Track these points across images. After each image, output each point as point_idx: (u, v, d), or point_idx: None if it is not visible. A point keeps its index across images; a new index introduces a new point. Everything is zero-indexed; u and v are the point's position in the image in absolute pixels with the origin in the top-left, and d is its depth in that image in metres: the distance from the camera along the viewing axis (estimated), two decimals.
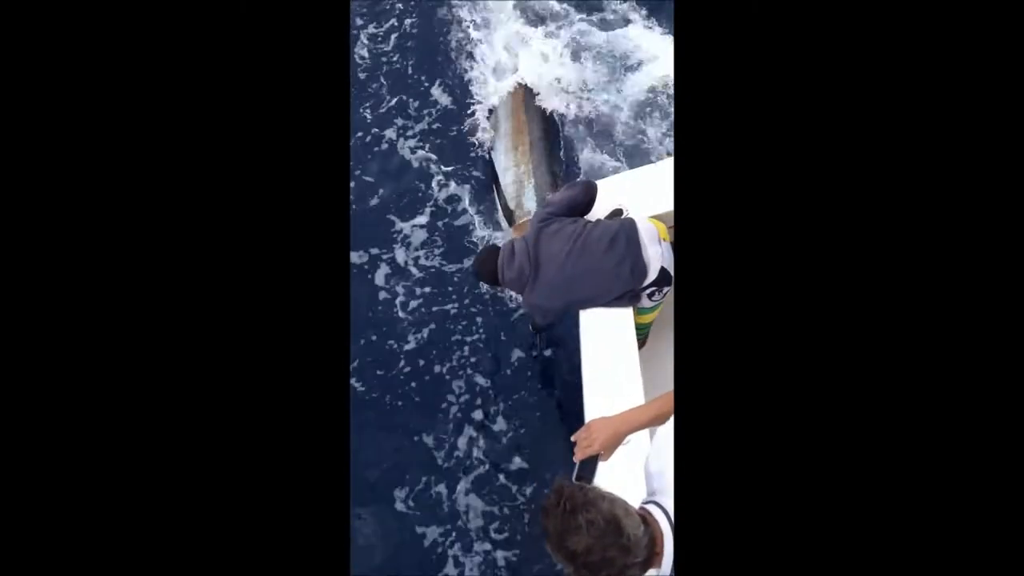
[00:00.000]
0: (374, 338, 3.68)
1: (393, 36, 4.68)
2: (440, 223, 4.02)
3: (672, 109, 3.94)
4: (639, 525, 1.32)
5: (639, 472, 1.91)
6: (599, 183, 3.00)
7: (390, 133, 4.33)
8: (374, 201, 4.10)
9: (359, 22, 4.70)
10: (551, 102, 4.12)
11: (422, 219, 4.03)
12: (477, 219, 3.98)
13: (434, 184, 4.12)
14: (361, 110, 4.39)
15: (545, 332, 3.57)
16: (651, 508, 1.44)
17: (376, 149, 4.29)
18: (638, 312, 2.74)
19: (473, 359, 3.61)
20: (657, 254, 2.62)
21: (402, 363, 3.62)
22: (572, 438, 1.73)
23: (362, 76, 4.53)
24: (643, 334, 2.87)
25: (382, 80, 4.53)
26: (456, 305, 3.76)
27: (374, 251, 3.93)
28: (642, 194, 2.88)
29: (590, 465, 1.68)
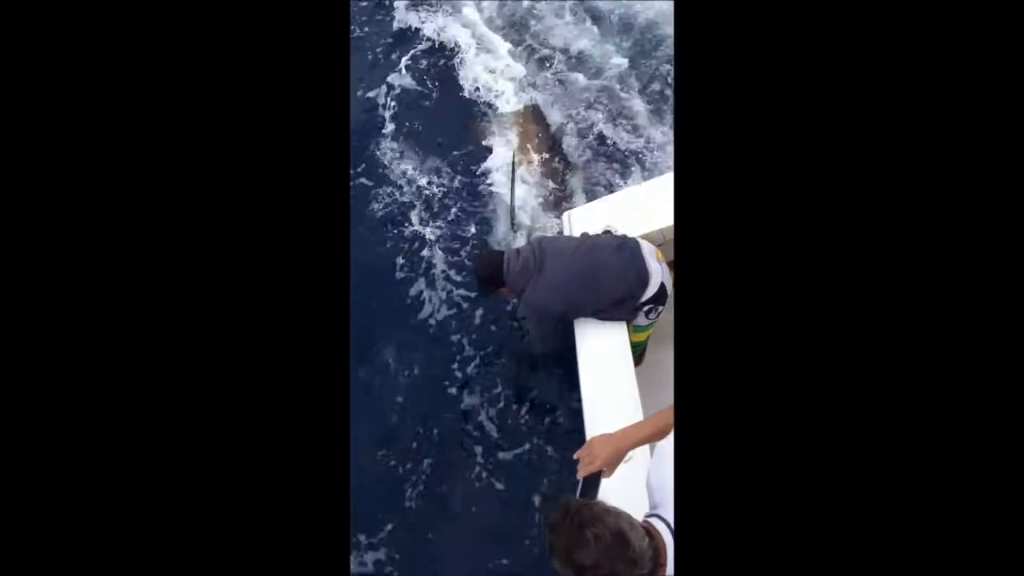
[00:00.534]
0: None
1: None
2: None
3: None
4: (644, 538, 1.36)
5: (641, 486, 1.95)
6: (588, 205, 3.09)
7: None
8: None
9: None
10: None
11: None
12: None
13: None
14: None
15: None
16: (654, 521, 1.48)
17: None
18: (633, 330, 2.79)
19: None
20: (657, 270, 2.70)
21: None
22: (574, 456, 1.76)
23: None
24: (637, 352, 2.91)
25: None
26: None
27: None
28: (630, 214, 2.96)
29: (593, 482, 1.70)
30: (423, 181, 4.22)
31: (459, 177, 4.24)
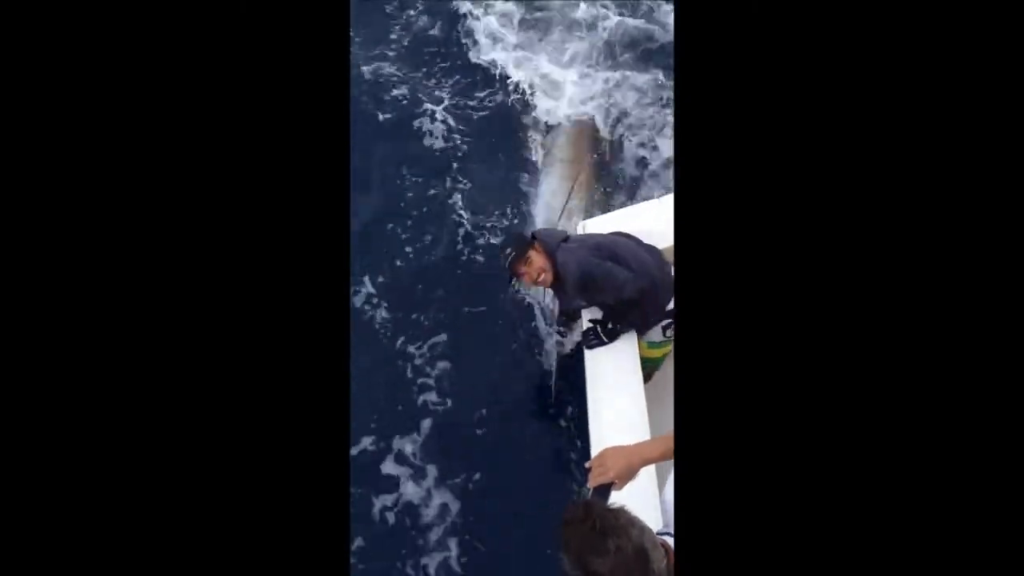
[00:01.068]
0: None
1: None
2: None
3: None
4: (663, 559, 1.30)
5: (649, 506, 1.90)
6: (605, 216, 3.09)
7: None
8: None
9: None
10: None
11: None
12: None
13: None
14: None
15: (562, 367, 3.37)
16: (668, 540, 1.43)
17: None
18: (648, 346, 2.74)
19: None
20: None
21: None
22: (586, 465, 1.72)
23: None
24: (651, 368, 2.86)
25: None
26: None
27: None
28: (650, 227, 2.90)
29: (603, 493, 1.67)
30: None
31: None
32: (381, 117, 4.67)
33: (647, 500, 1.98)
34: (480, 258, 3.99)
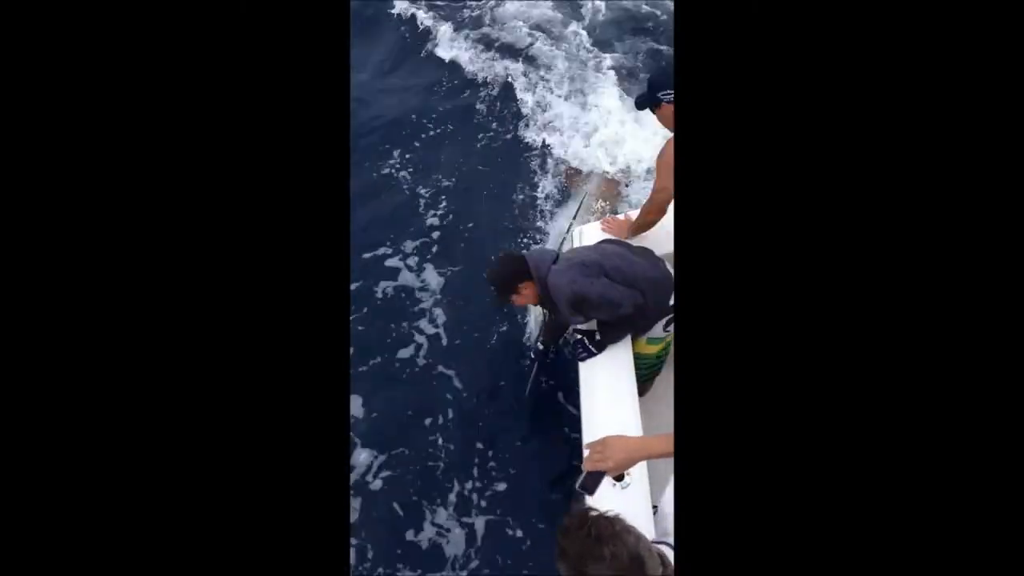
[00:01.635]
0: None
1: None
2: None
3: None
4: (659, 566, 1.28)
5: (641, 514, 1.88)
6: (593, 224, 3.09)
7: None
8: None
9: None
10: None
11: None
12: None
13: None
14: None
15: (545, 357, 3.35)
16: (664, 549, 1.40)
17: None
18: (647, 342, 2.71)
19: None
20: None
21: None
22: (585, 446, 1.69)
23: None
24: (650, 367, 2.84)
25: None
26: None
27: None
28: (651, 234, 2.89)
29: (596, 478, 1.66)
30: None
31: None
32: None
33: (638, 510, 1.95)
34: None
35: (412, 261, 4.18)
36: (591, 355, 2.62)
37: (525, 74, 5.39)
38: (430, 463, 3.32)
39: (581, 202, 3.76)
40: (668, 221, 2.78)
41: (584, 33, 5.68)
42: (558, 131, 4.96)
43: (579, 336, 2.70)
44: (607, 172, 4.59)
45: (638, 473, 2.07)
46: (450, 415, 3.46)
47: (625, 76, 5.31)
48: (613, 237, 2.91)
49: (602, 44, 5.61)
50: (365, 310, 3.92)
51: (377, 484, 3.29)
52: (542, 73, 5.38)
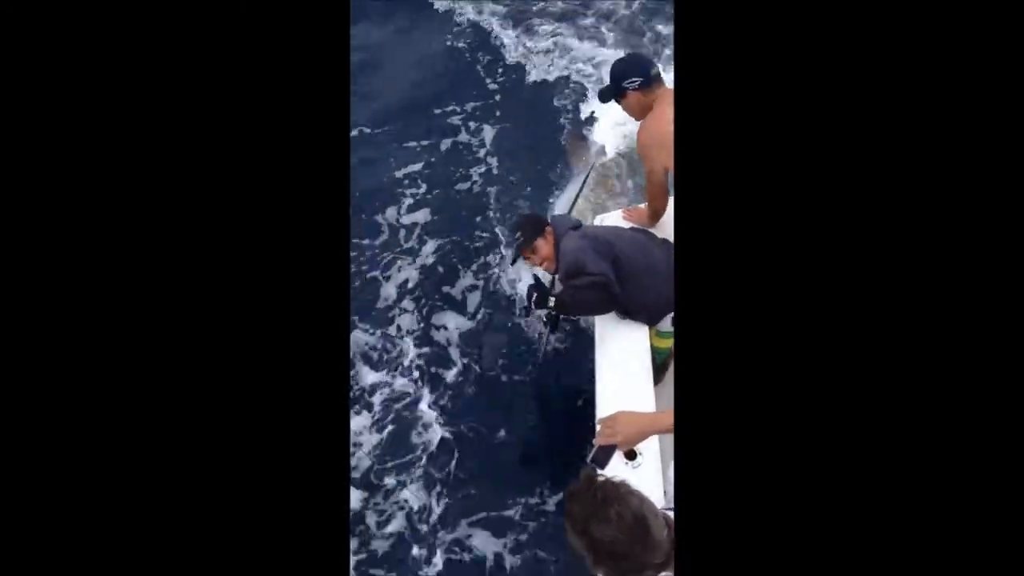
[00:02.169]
0: None
1: None
2: None
3: None
4: (664, 528, 1.33)
5: (651, 486, 1.92)
6: (615, 213, 3.14)
7: None
8: None
9: None
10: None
11: None
12: None
13: None
14: None
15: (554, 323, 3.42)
16: (672, 515, 1.45)
17: None
18: (658, 335, 2.76)
19: None
20: None
21: None
22: (597, 422, 1.75)
23: None
24: (660, 360, 2.87)
25: None
26: None
27: None
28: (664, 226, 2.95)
29: (607, 452, 1.71)
30: None
31: None
32: None
33: (652, 478, 2.00)
34: None
35: None
36: (543, 331, 2.69)
37: None
38: None
39: (585, 179, 3.87)
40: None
41: None
42: None
43: (535, 286, 2.70)
44: (603, 158, 4.54)
45: (650, 449, 2.12)
46: None
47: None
48: (637, 226, 2.97)
49: None
50: None
51: None
52: None
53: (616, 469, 1.73)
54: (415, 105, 5.28)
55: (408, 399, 3.66)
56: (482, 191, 4.61)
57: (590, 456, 1.70)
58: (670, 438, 1.84)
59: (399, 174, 4.78)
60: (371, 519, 3.25)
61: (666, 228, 2.95)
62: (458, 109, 5.18)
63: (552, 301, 2.62)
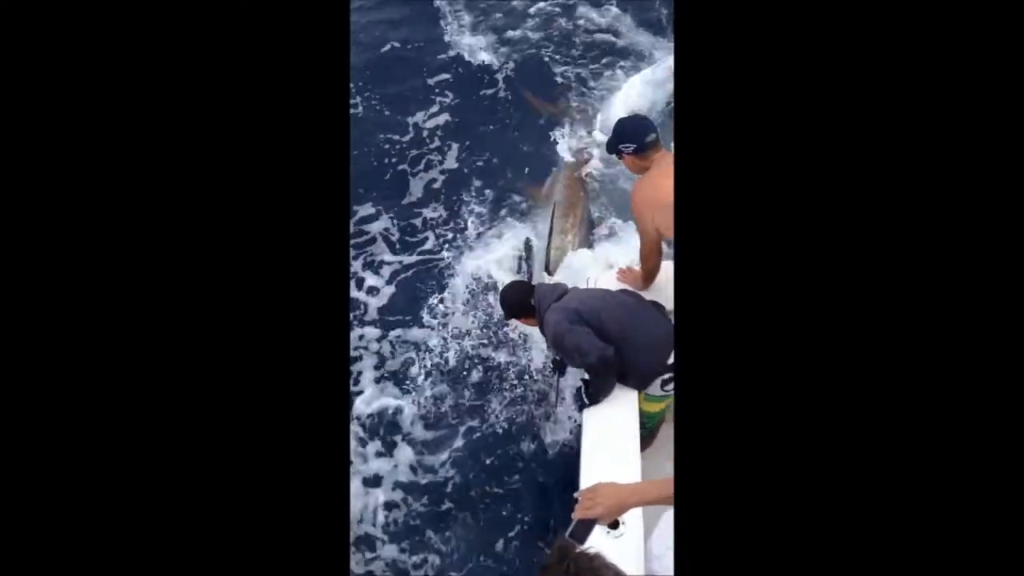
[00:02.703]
0: None
1: None
2: None
3: None
4: None
5: (638, 552, 1.85)
6: (608, 273, 3.14)
7: None
8: None
9: None
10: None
11: None
12: None
13: None
14: None
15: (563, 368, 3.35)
16: None
17: None
18: (645, 398, 2.71)
19: None
20: None
21: None
22: (576, 495, 1.70)
23: None
24: (650, 424, 2.82)
25: None
26: None
27: None
28: (661, 285, 2.93)
29: (587, 526, 1.65)
30: None
31: None
32: None
33: (632, 549, 1.92)
34: None
35: None
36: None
37: None
38: None
39: (552, 219, 3.91)
40: None
41: None
42: None
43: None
44: (568, 164, 4.52)
45: (632, 518, 2.05)
46: None
47: None
48: (628, 288, 2.95)
49: None
50: None
51: None
52: None
53: (595, 539, 1.66)
54: None
55: None
56: None
57: (568, 531, 1.64)
58: (653, 508, 1.78)
59: None
60: None
61: (660, 291, 2.92)
62: None
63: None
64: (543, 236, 4.14)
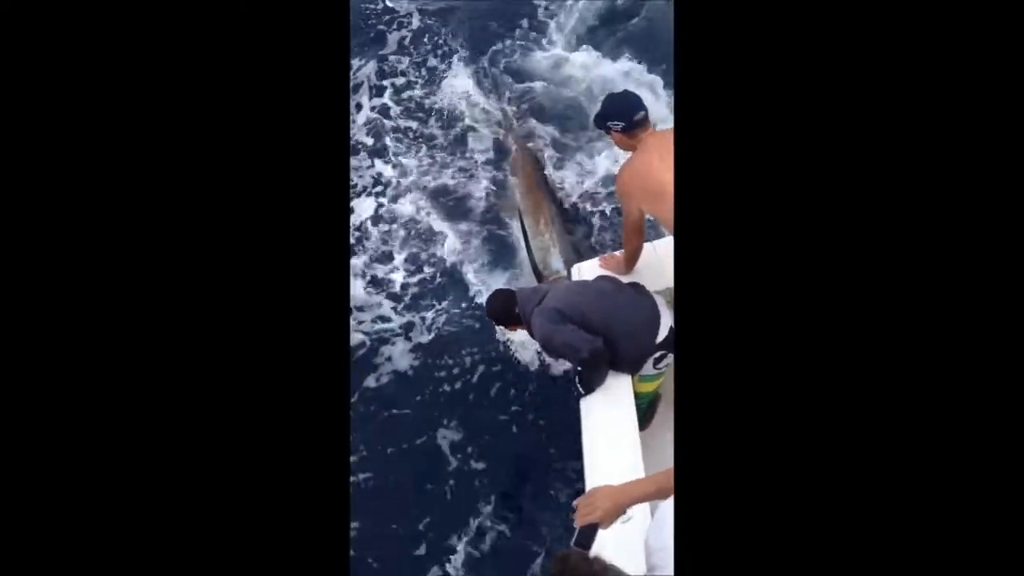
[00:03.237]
0: None
1: None
2: None
3: None
4: None
5: (638, 546, 1.90)
6: (597, 259, 3.15)
7: None
8: None
9: None
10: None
11: None
12: None
13: None
14: None
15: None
16: None
17: None
18: (639, 380, 2.76)
19: None
20: (668, 316, 2.67)
21: None
22: (573, 503, 1.74)
23: None
24: (644, 405, 2.87)
25: None
26: None
27: None
28: (640, 271, 2.96)
29: (589, 532, 1.68)
30: None
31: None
32: None
33: (636, 542, 1.97)
34: None
35: None
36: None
37: None
38: None
39: (523, 226, 3.90)
40: (663, 253, 2.88)
41: None
42: None
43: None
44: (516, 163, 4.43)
45: (641, 509, 2.10)
46: None
47: None
48: (610, 273, 2.99)
49: None
50: None
51: None
52: None
53: (601, 536, 1.71)
54: None
55: None
56: None
57: (573, 540, 1.67)
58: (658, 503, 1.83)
59: None
60: None
61: (638, 274, 2.96)
62: None
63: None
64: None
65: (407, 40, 5.25)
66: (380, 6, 5.44)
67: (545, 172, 4.38)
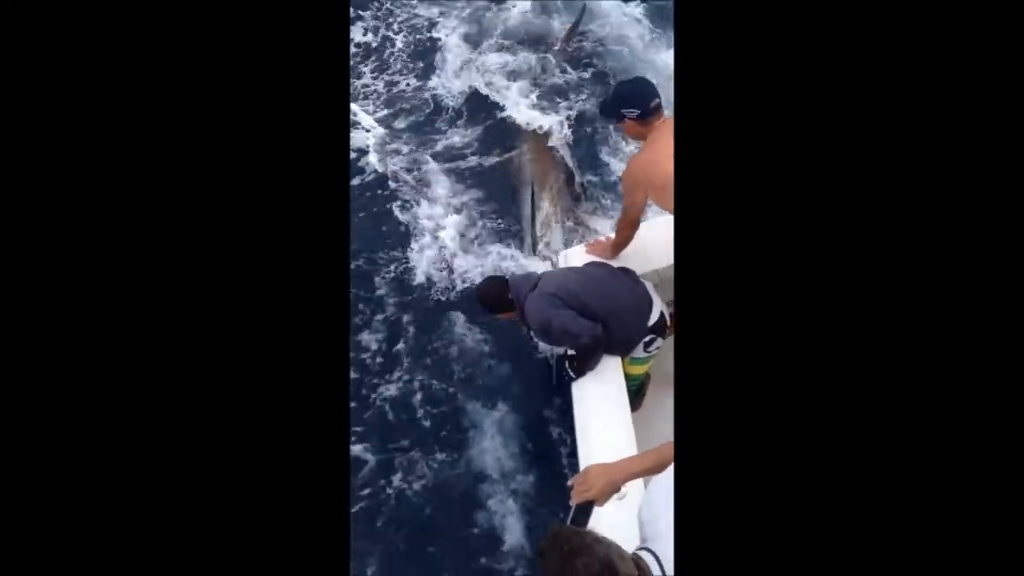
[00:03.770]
0: None
1: None
2: None
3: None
4: (634, 570, 1.36)
5: (633, 520, 1.94)
6: (578, 247, 3.17)
7: None
8: None
9: None
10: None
11: None
12: None
13: None
14: None
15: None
16: (643, 555, 1.48)
17: None
18: (630, 362, 2.80)
19: None
20: (658, 299, 2.71)
21: None
22: (568, 483, 1.77)
23: None
24: (635, 387, 2.91)
25: None
26: None
27: None
28: (628, 254, 3.00)
29: (585, 510, 1.71)
30: None
31: None
32: None
33: (630, 516, 2.02)
34: None
35: None
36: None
37: None
38: None
39: (532, 199, 3.88)
40: (650, 235, 2.90)
41: None
42: None
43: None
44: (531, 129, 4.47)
45: (635, 485, 2.14)
46: None
47: None
48: (597, 259, 3.03)
49: None
50: None
51: None
52: None
53: (596, 513, 1.75)
54: None
55: None
56: None
57: (570, 518, 1.70)
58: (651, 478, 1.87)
59: None
60: None
61: (626, 259, 3.01)
62: None
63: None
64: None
65: None
66: None
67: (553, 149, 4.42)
